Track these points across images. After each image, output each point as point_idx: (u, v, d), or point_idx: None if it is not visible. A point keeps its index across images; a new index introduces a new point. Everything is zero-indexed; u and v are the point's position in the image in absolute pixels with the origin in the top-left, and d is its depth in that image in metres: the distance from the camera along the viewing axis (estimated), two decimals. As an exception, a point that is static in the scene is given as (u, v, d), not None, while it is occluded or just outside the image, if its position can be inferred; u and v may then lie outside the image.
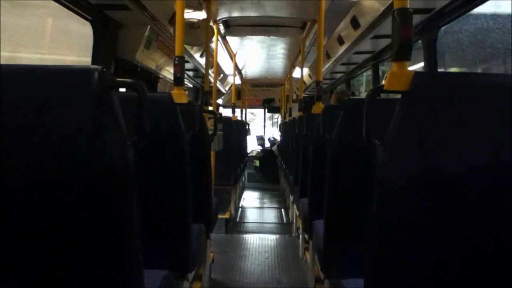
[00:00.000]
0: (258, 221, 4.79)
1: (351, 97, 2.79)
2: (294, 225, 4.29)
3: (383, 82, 1.04)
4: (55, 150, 0.92)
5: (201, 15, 3.38)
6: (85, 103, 0.92)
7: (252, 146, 9.35)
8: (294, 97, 8.01)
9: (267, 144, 9.47)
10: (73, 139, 0.92)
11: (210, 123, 2.97)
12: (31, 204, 0.92)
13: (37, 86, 0.92)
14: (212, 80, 4.04)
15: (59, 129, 0.92)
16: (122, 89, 2.04)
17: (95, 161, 0.93)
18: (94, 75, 0.92)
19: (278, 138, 9.01)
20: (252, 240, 3.94)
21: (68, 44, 2.89)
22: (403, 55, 1.03)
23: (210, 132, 2.64)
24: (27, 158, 0.91)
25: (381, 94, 1.06)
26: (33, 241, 0.94)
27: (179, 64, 1.96)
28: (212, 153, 3.01)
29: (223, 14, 3.98)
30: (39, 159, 0.91)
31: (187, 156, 1.68)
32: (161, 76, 3.75)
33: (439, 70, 2.69)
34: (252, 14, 3.97)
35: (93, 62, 2.62)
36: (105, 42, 2.64)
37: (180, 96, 1.82)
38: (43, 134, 0.91)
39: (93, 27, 2.59)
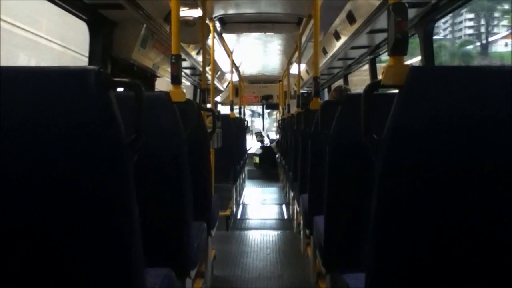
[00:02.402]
0: (259, 218, 4.80)
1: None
2: (295, 221, 4.29)
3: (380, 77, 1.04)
4: (53, 151, 0.92)
5: (197, 12, 3.37)
6: (83, 104, 0.92)
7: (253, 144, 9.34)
8: (292, 93, 7.99)
9: (266, 141, 9.47)
10: (71, 140, 0.92)
11: (208, 121, 2.97)
12: (30, 203, 0.92)
13: (35, 88, 0.92)
14: (209, 78, 4.04)
15: (57, 130, 0.92)
16: (120, 89, 2.04)
17: (93, 161, 0.93)
18: (91, 75, 0.92)
19: (275, 136, 8.98)
20: (254, 236, 3.95)
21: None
22: (399, 49, 1.03)
23: (209, 130, 2.64)
24: (25, 159, 0.91)
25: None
26: (33, 241, 0.94)
27: (176, 62, 1.96)
28: (211, 150, 3.01)
29: (218, 12, 3.97)
30: (37, 160, 0.91)
31: (186, 154, 1.68)
32: (158, 75, 3.75)
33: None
34: (248, 10, 3.96)
35: (90, 62, 2.61)
36: (101, 42, 2.63)
37: (178, 95, 1.83)
38: (41, 135, 0.91)
39: (89, 27, 2.59)
